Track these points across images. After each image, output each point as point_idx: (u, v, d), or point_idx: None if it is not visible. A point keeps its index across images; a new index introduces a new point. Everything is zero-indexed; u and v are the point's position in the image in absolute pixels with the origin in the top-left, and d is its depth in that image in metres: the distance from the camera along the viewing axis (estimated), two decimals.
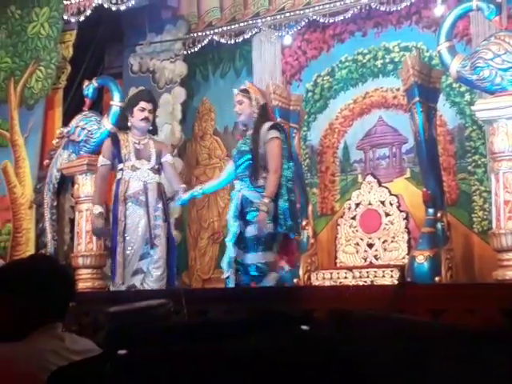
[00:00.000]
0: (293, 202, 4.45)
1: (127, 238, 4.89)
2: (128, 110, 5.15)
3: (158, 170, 5.15)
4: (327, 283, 5.26)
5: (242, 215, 4.42)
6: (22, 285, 1.83)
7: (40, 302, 1.83)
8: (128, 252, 4.87)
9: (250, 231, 4.39)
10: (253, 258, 4.37)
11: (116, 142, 5.04)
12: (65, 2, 6.76)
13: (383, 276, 5.38)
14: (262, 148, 4.45)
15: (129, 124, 5.09)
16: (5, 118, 7.09)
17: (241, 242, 4.40)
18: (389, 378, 1.28)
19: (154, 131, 5.26)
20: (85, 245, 6.25)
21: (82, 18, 6.66)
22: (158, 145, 5.21)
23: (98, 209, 5.01)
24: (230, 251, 4.42)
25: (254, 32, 6.80)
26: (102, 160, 5.14)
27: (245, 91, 4.66)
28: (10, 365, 1.69)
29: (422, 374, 1.23)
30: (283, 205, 4.39)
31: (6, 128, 7.07)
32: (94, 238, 6.00)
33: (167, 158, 5.17)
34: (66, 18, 6.79)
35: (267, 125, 4.50)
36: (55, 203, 6.68)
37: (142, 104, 5.04)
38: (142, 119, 5.02)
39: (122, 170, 5.00)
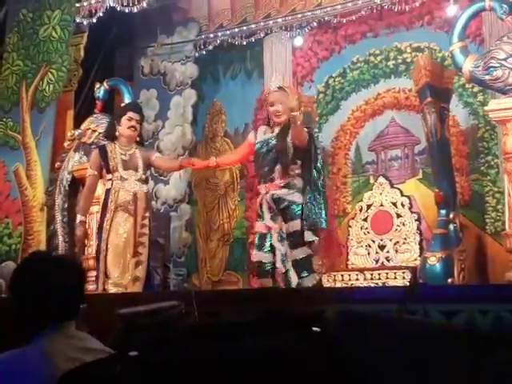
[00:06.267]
0: (316, 198, 4.45)
1: (111, 245, 5.03)
2: (116, 119, 5.28)
3: (146, 179, 5.30)
4: (338, 285, 5.24)
5: (278, 213, 4.42)
6: (25, 287, 1.83)
7: (48, 302, 1.82)
8: (112, 259, 4.99)
9: (292, 226, 4.39)
10: (300, 252, 4.37)
11: (104, 154, 5.16)
12: (76, 5, 6.79)
13: (395, 278, 5.35)
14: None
15: (116, 133, 5.20)
16: (16, 120, 7.11)
17: (286, 238, 4.39)
18: (402, 379, 1.26)
19: (141, 142, 5.36)
20: (95, 247, 6.26)
21: (93, 21, 6.67)
22: (145, 153, 5.30)
23: (79, 218, 5.23)
24: (281, 249, 4.39)
25: (264, 33, 6.79)
26: (90, 171, 5.30)
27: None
28: (17, 374, 1.69)
29: (435, 377, 1.21)
30: (308, 200, 4.41)
31: (17, 131, 7.08)
32: None
33: (155, 155, 5.38)
34: (77, 20, 6.81)
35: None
36: (66, 205, 6.70)
37: (130, 114, 5.19)
38: (128, 127, 5.15)
39: (111, 179, 5.13)
